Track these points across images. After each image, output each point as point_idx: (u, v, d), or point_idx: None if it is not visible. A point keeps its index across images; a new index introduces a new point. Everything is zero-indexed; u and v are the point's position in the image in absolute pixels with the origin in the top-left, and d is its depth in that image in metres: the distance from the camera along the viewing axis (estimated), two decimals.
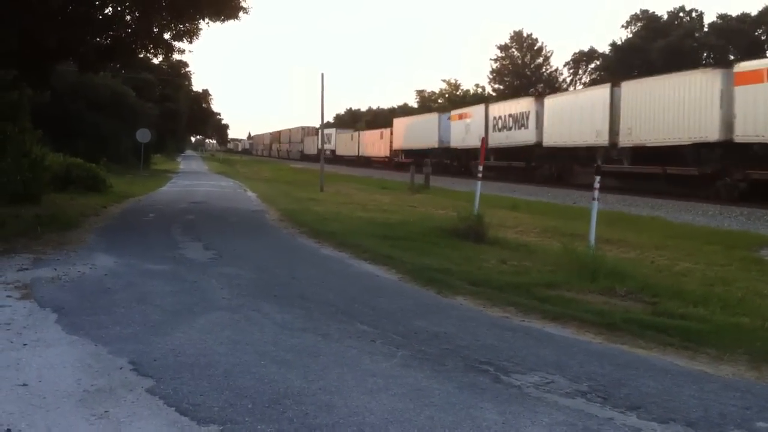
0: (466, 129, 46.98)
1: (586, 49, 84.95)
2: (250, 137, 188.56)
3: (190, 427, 4.34)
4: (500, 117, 42.90)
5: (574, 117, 34.59)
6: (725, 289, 9.23)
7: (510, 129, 41.48)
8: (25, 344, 5.99)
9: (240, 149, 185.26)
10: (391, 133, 64.42)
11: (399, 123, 63.91)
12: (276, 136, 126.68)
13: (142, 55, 21.07)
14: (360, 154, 75.17)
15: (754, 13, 70.71)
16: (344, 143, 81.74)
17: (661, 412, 4.80)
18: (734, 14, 72.46)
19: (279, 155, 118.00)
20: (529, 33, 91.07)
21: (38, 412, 4.51)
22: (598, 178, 11.00)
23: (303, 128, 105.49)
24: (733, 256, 12.39)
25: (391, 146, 64.19)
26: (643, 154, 30.10)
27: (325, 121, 35.51)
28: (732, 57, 63.99)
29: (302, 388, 5.05)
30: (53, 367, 5.39)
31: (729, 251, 12.92)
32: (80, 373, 5.27)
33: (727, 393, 5.28)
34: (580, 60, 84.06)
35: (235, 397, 4.83)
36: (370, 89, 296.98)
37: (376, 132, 71.82)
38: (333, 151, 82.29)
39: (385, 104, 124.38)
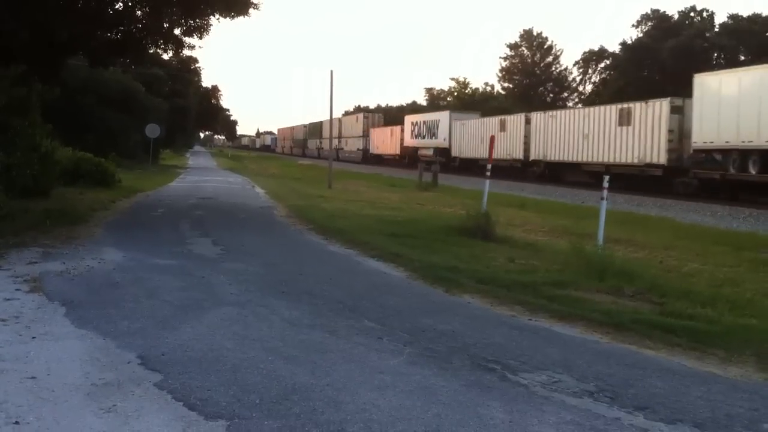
0: None
1: (596, 48, 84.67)
2: (258, 134, 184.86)
3: (197, 422, 4.35)
4: None
5: None
6: (734, 290, 9.21)
7: None
8: (33, 337, 6.01)
9: (258, 146, 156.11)
10: (680, 111, 29.31)
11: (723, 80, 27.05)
12: (315, 129, 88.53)
13: (152, 51, 21.12)
14: (534, 157, 40.23)
15: (765, 13, 70.50)
16: (477, 136, 46.76)
17: (669, 413, 4.79)
18: (745, 14, 72.18)
19: (320, 155, 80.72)
20: (539, 32, 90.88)
21: (46, 405, 4.52)
22: (606, 178, 10.98)
23: (366, 116, 75.97)
24: (742, 257, 12.36)
25: (672, 142, 29.12)
26: None
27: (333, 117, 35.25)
28: (743, 57, 63.78)
29: (310, 384, 5.05)
30: (61, 361, 5.41)
31: (737, 252, 12.88)
32: (88, 367, 5.29)
33: (735, 394, 5.27)
34: (590, 59, 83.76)
35: (242, 392, 4.84)
36: (378, 87, 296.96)
37: (599, 110, 34.90)
38: (444, 150, 52.46)
39: (393, 102, 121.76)
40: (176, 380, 5.03)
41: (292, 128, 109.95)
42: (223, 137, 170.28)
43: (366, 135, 71.23)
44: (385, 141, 65.05)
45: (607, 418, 4.66)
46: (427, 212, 19.26)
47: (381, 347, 6.12)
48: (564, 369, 5.67)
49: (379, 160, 64.91)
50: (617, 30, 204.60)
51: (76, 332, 6.25)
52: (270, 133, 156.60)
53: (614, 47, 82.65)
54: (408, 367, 5.58)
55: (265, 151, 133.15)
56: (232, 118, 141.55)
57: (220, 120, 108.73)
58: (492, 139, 15.75)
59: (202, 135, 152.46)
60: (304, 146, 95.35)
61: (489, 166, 14.60)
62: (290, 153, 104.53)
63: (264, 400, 4.70)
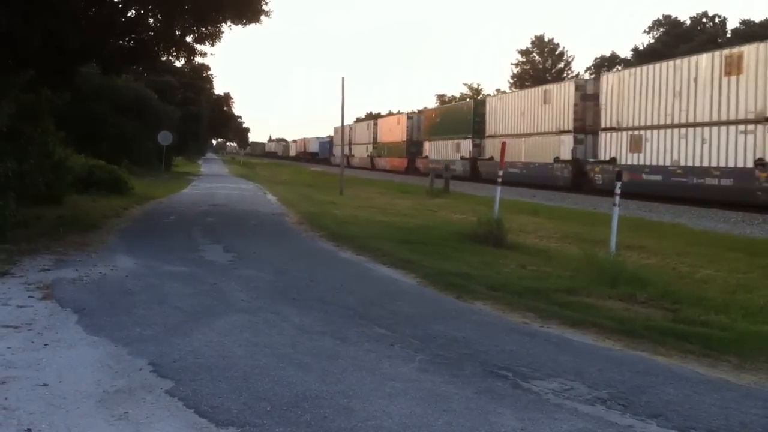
0: None
1: (607, 54, 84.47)
2: (277, 139, 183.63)
3: (208, 429, 4.35)
4: None
5: None
6: (747, 297, 9.14)
7: None
8: (45, 344, 6.04)
9: (294, 154, 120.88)
10: None
11: None
12: (456, 117, 48.37)
13: (164, 59, 21.21)
14: None
15: None
16: None
17: (682, 420, 4.76)
18: (757, 20, 71.84)
19: (479, 173, 43.40)
20: (550, 38, 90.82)
21: (58, 413, 4.54)
22: (618, 183, 10.93)
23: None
24: (756, 263, 12.23)
25: None
26: None
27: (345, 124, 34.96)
28: None
29: (320, 391, 5.05)
30: (73, 368, 5.43)
31: (751, 259, 12.76)
32: (100, 374, 5.31)
33: (749, 401, 5.22)
34: (602, 65, 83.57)
35: (253, 399, 4.84)
36: (389, 93, 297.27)
37: None
38: None
39: (405, 109, 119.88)
40: (187, 387, 5.04)
41: (368, 125, 62.86)
42: (235, 144, 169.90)
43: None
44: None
45: (620, 426, 4.63)
46: (438, 219, 19.20)
47: (392, 354, 6.11)
48: (576, 376, 5.65)
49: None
50: (629, 36, 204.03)
51: (88, 339, 6.28)
52: (286, 136, 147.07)
53: (626, 53, 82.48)
54: (419, 374, 5.57)
55: (308, 161, 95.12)
56: (244, 125, 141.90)
57: (232, 127, 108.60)
58: (503, 144, 15.71)
59: (214, 142, 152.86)
60: (412, 155, 54.26)
61: (500, 172, 14.56)
62: (370, 167, 60.32)
63: (275, 407, 4.70)
